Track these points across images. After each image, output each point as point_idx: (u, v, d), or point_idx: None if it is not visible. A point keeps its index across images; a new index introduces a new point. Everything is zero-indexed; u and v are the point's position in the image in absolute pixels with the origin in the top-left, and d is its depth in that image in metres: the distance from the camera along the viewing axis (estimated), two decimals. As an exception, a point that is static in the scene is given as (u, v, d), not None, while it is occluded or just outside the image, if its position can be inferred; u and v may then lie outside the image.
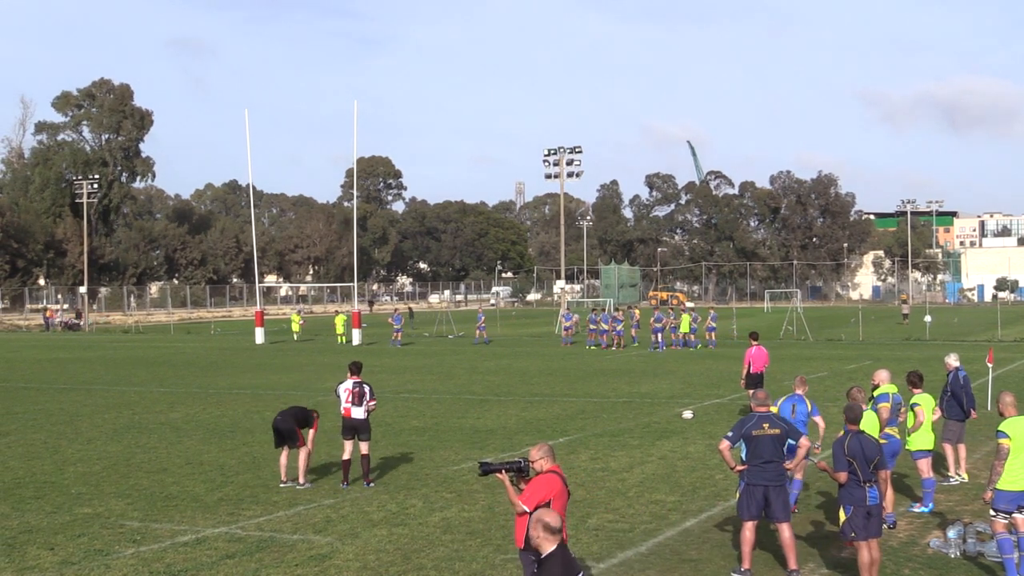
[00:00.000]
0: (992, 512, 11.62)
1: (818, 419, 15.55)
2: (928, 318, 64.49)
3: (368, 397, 17.16)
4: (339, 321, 62.94)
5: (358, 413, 17.10)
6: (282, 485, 17.26)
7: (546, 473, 9.19)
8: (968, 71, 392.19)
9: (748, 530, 11.94)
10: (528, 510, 8.99)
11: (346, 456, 17.38)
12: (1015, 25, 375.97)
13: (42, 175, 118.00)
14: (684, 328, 52.20)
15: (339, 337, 61.61)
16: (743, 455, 12.00)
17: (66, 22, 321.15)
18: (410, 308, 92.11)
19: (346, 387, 17.24)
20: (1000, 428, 11.66)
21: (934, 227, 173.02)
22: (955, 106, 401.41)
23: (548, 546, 7.23)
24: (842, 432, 11.61)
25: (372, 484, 17.32)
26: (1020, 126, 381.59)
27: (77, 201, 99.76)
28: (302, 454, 17.37)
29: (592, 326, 54.64)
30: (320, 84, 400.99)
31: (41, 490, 17.30)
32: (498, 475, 9.30)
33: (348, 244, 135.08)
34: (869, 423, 13.70)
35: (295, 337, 64.96)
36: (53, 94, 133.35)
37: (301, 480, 17.33)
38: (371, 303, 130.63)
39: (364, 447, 17.24)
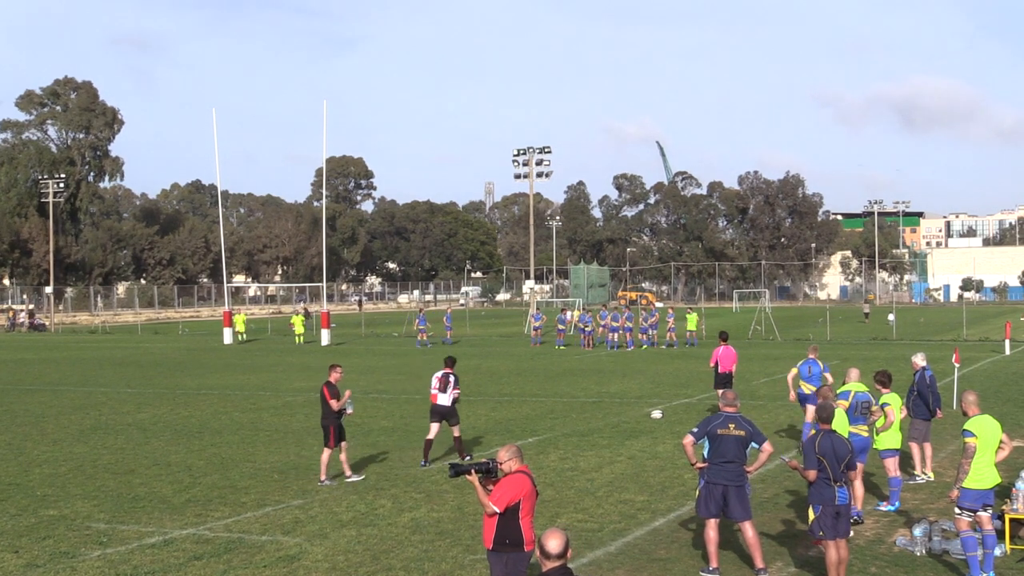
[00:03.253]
0: (957, 510, 11.72)
1: (828, 375, 19.61)
2: (891, 317, 64.96)
3: (453, 386, 18.97)
4: (297, 321, 62.80)
5: (444, 400, 18.97)
6: (320, 483, 17.35)
7: (515, 474, 9.20)
8: (923, 72, 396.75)
9: (711, 529, 11.99)
10: (498, 511, 9.02)
11: (430, 436, 19.16)
12: (969, 26, 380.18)
13: (8, 175, 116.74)
14: (691, 326, 52.66)
15: (296, 337, 61.18)
16: (705, 452, 12.04)
17: (19, 19, 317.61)
18: (306, 309, 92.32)
19: (437, 375, 19.19)
20: (966, 427, 11.74)
21: (901, 228, 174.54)
22: (911, 106, 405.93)
23: (544, 567, 7.17)
24: (813, 431, 11.68)
25: (470, 457, 19.32)
26: (977, 127, 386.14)
27: (43, 201, 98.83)
28: (326, 453, 17.58)
29: (561, 326, 54.92)
30: (288, 83, 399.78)
31: (6, 492, 17.13)
32: (468, 476, 9.31)
33: (317, 244, 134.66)
34: (839, 423, 13.80)
35: (243, 337, 64.19)
36: (8, 92, 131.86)
37: (323, 478, 17.50)
38: (360, 303, 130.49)
39: (455, 430, 19.26)
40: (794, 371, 21.50)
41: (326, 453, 17.63)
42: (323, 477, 17.53)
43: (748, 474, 12.07)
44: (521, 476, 9.18)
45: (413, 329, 57.55)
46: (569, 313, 56.42)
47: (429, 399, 19.15)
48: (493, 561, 9.25)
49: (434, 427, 19.04)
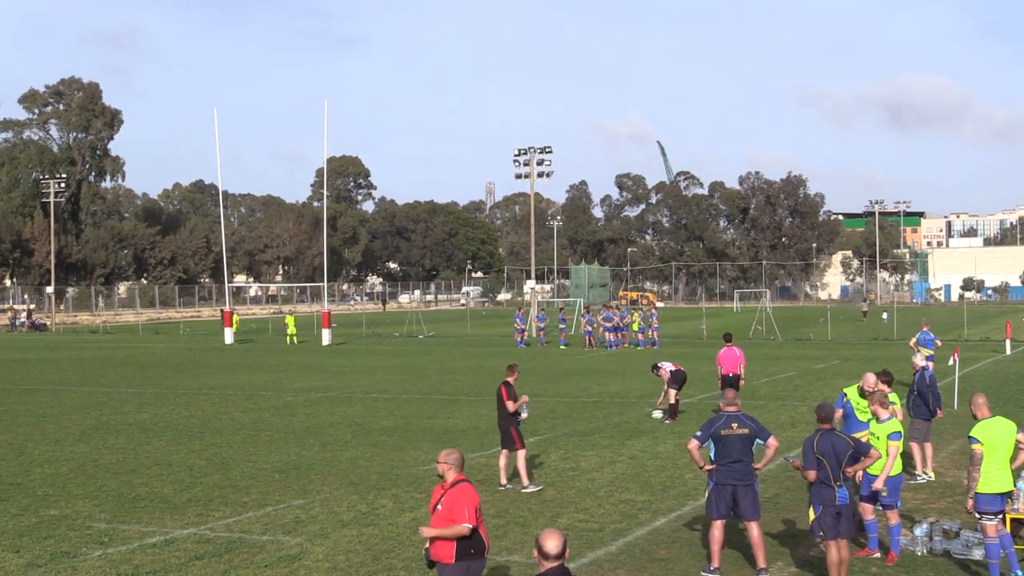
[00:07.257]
0: (978, 515, 11.42)
1: (938, 341, 25.50)
2: (885, 315, 65.01)
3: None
4: (290, 321, 63.06)
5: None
6: (499, 488, 16.74)
7: (461, 484, 8.97)
8: (916, 70, 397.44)
9: (717, 529, 11.98)
10: (472, 524, 8.83)
11: None
12: (964, 24, 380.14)
13: (9, 174, 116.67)
14: (635, 327, 52.56)
15: (288, 338, 61.18)
16: (712, 454, 12.04)
17: (15, 18, 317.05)
18: (222, 311, 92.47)
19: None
20: (971, 433, 11.42)
21: (902, 228, 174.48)
22: (904, 105, 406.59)
23: (543, 567, 7.12)
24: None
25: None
26: (973, 127, 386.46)
27: (44, 201, 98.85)
28: (520, 456, 16.87)
29: (562, 325, 55.14)
30: (288, 83, 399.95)
31: (6, 492, 17.12)
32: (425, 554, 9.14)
33: (318, 244, 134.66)
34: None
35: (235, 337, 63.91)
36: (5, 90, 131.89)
37: (525, 483, 16.73)
38: (384, 302, 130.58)
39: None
40: (913, 340, 29.80)
41: (521, 456, 16.85)
42: (503, 481, 16.85)
43: (757, 472, 12.07)
44: (467, 485, 9.01)
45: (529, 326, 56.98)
46: (605, 311, 56.17)
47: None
48: (453, 572, 8.91)
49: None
